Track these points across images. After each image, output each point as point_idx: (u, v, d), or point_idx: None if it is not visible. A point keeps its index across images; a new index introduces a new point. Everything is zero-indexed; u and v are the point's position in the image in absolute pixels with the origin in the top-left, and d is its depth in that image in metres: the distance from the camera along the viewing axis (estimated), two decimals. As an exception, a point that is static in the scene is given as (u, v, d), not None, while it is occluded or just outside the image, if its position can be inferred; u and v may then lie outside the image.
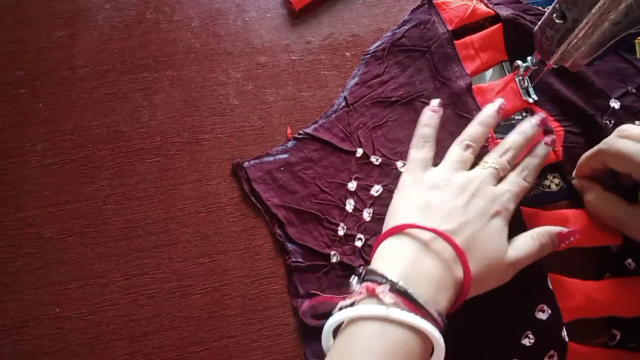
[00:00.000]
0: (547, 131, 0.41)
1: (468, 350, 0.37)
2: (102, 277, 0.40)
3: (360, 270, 0.39)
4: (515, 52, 0.46)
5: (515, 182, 0.37)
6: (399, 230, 0.33)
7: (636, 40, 0.47)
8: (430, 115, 0.40)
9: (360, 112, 0.45)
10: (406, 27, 0.47)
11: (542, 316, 0.37)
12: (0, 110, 0.45)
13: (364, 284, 0.31)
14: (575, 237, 0.37)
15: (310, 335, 0.38)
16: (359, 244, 0.40)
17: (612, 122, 0.43)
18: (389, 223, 0.35)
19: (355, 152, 0.43)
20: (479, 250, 0.33)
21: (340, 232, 0.41)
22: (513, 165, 0.38)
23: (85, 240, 0.41)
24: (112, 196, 0.42)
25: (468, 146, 0.38)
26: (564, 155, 0.42)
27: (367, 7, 0.50)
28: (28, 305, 0.39)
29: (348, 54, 0.48)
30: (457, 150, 0.38)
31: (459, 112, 0.43)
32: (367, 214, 0.41)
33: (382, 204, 0.41)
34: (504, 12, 0.46)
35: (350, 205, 0.42)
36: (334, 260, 0.40)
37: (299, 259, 0.40)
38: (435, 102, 0.40)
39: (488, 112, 0.39)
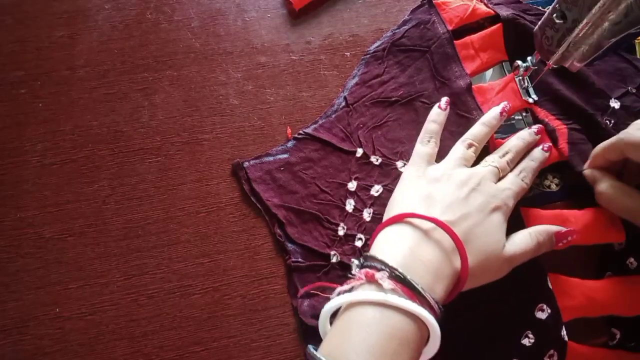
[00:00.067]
0: (548, 130, 0.42)
1: (468, 350, 0.37)
2: (102, 277, 0.40)
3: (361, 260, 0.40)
4: (515, 52, 0.46)
5: (514, 182, 0.38)
6: (400, 218, 0.34)
7: (636, 40, 0.47)
8: (438, 112, 0.41)
9: (360, 112, 0.45)
10: (406, 27, 0.47)
11: (542, 315, 0.37)
12: (0, 110, 0.45)
13: (363, 269, 0.32)
14: (573, 236, 0.37)
15: (310, 335, 0.38)
16: (359, 244, 0.40)
17: (612, 122, 0.43)
18: (391, 212, 0.36)
19: (355, 152, 0.43)
20: (477, 242, 0.34)
21: (341, 232, 0.41)
22: (512, 167, 0.39)
23: (85, 240, 0.41)
24: (112, 196, 0.42)
25: (471, 145, 0.39)
26: (570, 151, 0.42)
27: (367, 7, 0.50)
28: (28, 305, 0.39)
29: (348, 54, 0.48)
30: (460, 148, 0.39)
31: (458, 112, 0.43)
32: (367, 214, 0.41)
33: (382, 204, 0.41)
34: (504, 12, 0.46)
35: (350, 205, 0.42)
36: (334, 260, 0.40)
37: (299, 259, 0.40)
38: (443, 100, 0.42)
39: (492, 114, 0.41)
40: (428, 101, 0.44)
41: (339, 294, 0.31)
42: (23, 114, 0.45)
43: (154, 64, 0.47)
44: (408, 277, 0.30)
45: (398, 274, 0.31)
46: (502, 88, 0.45)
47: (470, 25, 0.48)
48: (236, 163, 0.43)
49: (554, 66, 0.38)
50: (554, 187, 0.43)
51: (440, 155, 0.40)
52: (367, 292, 0.30)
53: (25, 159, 0.43)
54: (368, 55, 0.47)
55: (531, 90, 0.44)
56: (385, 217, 0.36)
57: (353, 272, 0.39)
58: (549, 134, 0.43)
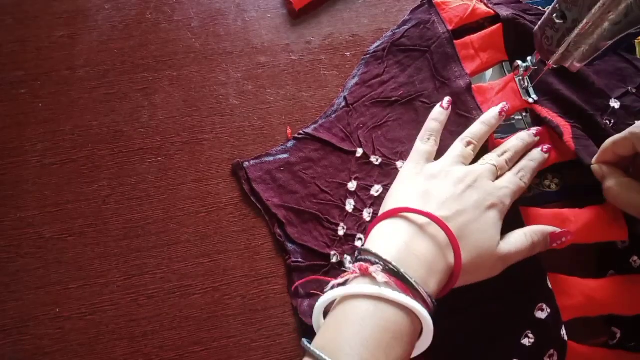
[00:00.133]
0: (552, 127, 0.42)
1: (468, 350, 0.37)
2: (102, 277, 0.40)
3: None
4: (515, 52, 0.46)
5: (512, 181, 0.38)
6: (395, 213, 0.35)
7: (636, 40, 0.47)
8: (440, 111, 0.42)
9: (360, 112, 0.45)
10: (406, 27, 0.47)
11: (542, 315, 0.37)
12: (0, 110, 0.45)
13: (357, 263, 0.32)
14: (568, 237, 0.37)
15: (310, 335, 0.38)
16: (359, 244, 0.40)
17: (612, 122, 0.43)
18: (387, 206, 0.37)
19: (355, 152, 0.43)
20: (471, 239, 0.34)
21: (341, 232, 0.41)
22: (511, 166, 0.40)
23: (85, 240, 0.41)
24: (112, 196, 0.42)
25: (469, 143, 0.39)
26: (576, 145, 0.41)
27: (367, 7, 0.50)
28: (28, 305, 0.39)
29: (348, 54, 0.48)
30: (459, 146, 0.39)
31: (458, 112, 0.43)
32: (367, 214, 0.41)
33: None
34: (504, 12, 0.46)
35: (350, 205, 0.42)
36: (334, 260, 0.40)
37: (299, 259, 0.40)
38: (445, 100, 0.42)
39: (491, 114, 0.41)
40: (428, 101, 0.44)
41: (332, 287, 0.32)
42: (23, 114, 0.45)
43: (154, 64, 0.47)
44: (402, 270, 0.31)
45: (392, 267, 0.31)
46: (502, 88, 0.45)
47: (470, 25, 0.48)
48: (236, 163, 0.43)
49: (554, 66, 0.38)
50: (553, 187, 0.43)
51: (440, 154, 0.40)
52: (360, 286, 0.31)
53: (25, 159, 0.43)
54: (368, 55, 0.47)
55: (531, 90, 0.44)
56: (382, 212, 0.36)
57: (347, 265, 0.39)
58: (554, 129, 0.42)
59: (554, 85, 0.44)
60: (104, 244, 0.41)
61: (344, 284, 0.32)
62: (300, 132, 0.44)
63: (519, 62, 0.43)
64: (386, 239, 0.34)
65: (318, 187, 0.42)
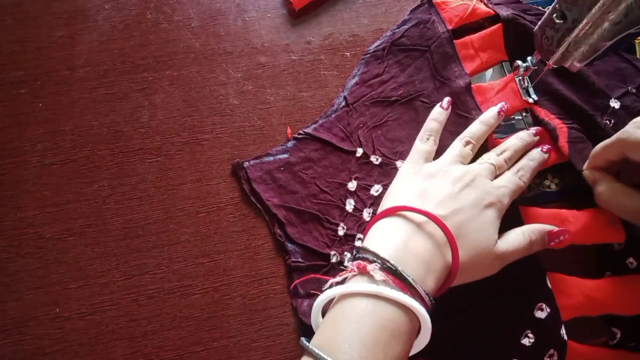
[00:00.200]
0: (549, 129, 0.42)
1: (468, 350, 0.37)
2: (102, 277, 0.40)
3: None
4: (515, 52, 0.46)
5: (511, 180, 0.38)
6: (393, 211, 0.35)
7: (636, 40, 0.47)
8: (440, 111, 0.42)
9: (360, 112, 0.45)
10: (406, 27, 0.47)
11: (541, 315, 0.37)
12: (0, 110, 0.45)
13: (356, 261, 0.32)
14: (565, 236, 0.37)
15: (310, 335, 0.38)
16: (359, 243, 0.40)
17: (612, 122, 0.43)
18: (385, 205, 0.37)
19: (355, 151, 0.43)
20: (469, 237, 0.34)
21: (340, 232, 0.41)
22: (510, 165, 0.40)
23: (85, 240, 0.41)
24: (112, 196, 0.42)
25: (468, 142, 0.40)
26: (570, 149, 0.42)
27: (367, 7, 0.50)
28: (28, 305, 0.39)
29: (348, 54, 0.48)
30: (457, 146, 0.40)
31: (458, 112, 0.43)
32: (367, 214, 0.41)
33: (382, 204, 0.41)
34: (504, 12, 0.46)
35: (350, 205, 0.42)
36: (333, 260, 0.40)
37: (299, 259, 0.40)
38: (445, 100, 0.42)
39: (490, 114, 0.41)
40: (428, 100, 0.44)
41: (331, 285, 0.32)
42: (23, 114, 0.45)
43: (154, 64, 0.47)
44: (399, 268, 0.31)
45: (389, 265, 0.31)
46: (502, 88, 0.45)
47: (470, 25, 0.48)
48: (236, 163, 0.43)
49: (554, 66, 0.38)
50: (553, 187, 0.43)
51: (439, 154, 0.40)
52: (358, 284, 0.31)
53: (25, 159, 0.43)
54: (368, 55, 0.47)
55: (531, 90, 0.44)
56: (380, 210, 0.37)
57: (346, 264, 0.39)
58: (550, 132, 0.43)
59: (554, 85, 0.44)
60: (104, 244, 0.41)
61: (342, 282, 0.32)
62: (300, 132, 0.44)
63: (519, 62, 0.43)
64: (384, 238, 0.34)
65: (318, 187, 0.42)
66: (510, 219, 0.38)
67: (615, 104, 0.44)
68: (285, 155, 0.43)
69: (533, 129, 0.42)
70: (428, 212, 0.34)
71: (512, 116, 0.45)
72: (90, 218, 0.42)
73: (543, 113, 0.44)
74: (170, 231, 0.41)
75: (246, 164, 0.43)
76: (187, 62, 0.47)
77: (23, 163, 0.43)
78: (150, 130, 0.45)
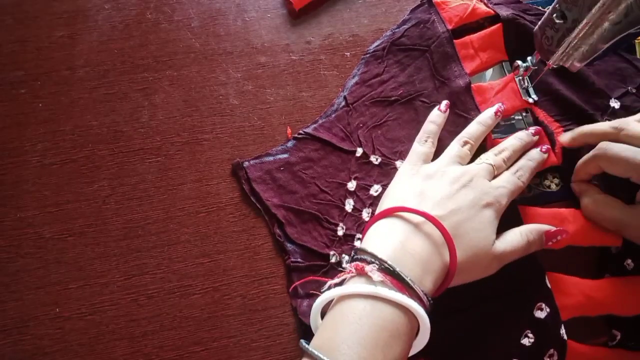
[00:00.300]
0: (547, 133, 0.42)
1: (468, 350, 0.37)
2: (102, 277, 0.40)
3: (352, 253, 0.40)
4: (515, 52, 0.46)
5: (509, 180, 0.38)
6: (391, 212, 0.35)
7: (636, 40, 0.47)
8: (438, 114, 0.42)
9: (360, 112, 0.45)
10: (406, 27, 0.47)
11: (541, 315, 0.37)
12: (0, 110, 0.45)
13: (354, 262, 0.32)
14: (563, 236, 0.37)
15: (310, 335, 0.38)
16: (358, 243, 0.40)
17: (612, 122, 0.43)
18: (383, 206, 0.37)
19: (355, 151, 0.43)
20: (466, 238, 0.34)
21: (340, 232, 0.41)
22: (509, 165, 0.40)
23: (85, 240, 0.41)
24: (112, 196, 0.42)
25: (466, 143, 0.40)
26: (564, 156, 0.42)
27: (367, 7, 0.50)
28: (28, 305, 0.39)
29: (348, 54, 0.48)
30: (455, 146, 0.40)
31: (457, 112, 0.43)
32: (366, 214, 0.41)
33: (382, 204, 0.41)
34: (504, 12, 0.46)
35: (349, 205, 0.42)
36: (333, 260, 0.40)
37: (298, 259, 0.40)
38: (444, 103, 0.43)
39: (488, 114, 0.41)
40: (428, 100, 0.44)
41: (329, 287, 0.32)
42: (23, 114, 0.45)
43: (154, 64, 0.47)
44: (397, 269, 0.31)
45: (387, 266, 0.31)
46: (501, 88, 0.45)
47: (470, 25, 0.47)
48: (236, 163, 0.43)
49: (554, 66, 0.38)
50: (553, 187, 0.43)
51: (438, 154, 0.40)
52: (357, 285, 0.31)
53: (25, 159, 0.43)
54: (368, 55, 0.47)
55: (531, 90, 0.44)
56: (378, 211, 0.37)
57: (344, 265, 0.39)
58: (548, 136, 0.43)
59: (554, 85, 0.44)
60: (104, 244, 0.41)
61: (340, 284, 0.32)
62: (300, 132, 0.44)
63: (519, 62, 0.43)
64: (382, 238, 0.34)
65: (318, 187, 0.42)
66: (510, 219, 0.38)
67: (615, 104, 0.44)
68: (285, 155, 0.43)
69: (532, 129, 0.42)
70: (425, 212, 0.34)
71: (512, 116, 0.45)
72: (90, 218, 0.42)
73: (542, 115, 0.44)
74: (170, 231, 0.41)
75: (246, 164, 0.43)
76: (187, 62, 0.47)
77: (23, 163, 0.43)
78: (150, 130, 0.45)
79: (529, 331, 0.37)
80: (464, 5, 0.47)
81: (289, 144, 0.44)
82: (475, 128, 0.40)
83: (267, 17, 0.49)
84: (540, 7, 0.48)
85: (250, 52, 0.48)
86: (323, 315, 0.33)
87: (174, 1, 0.50)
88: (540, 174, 0.43)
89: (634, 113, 0.43)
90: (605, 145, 0.37)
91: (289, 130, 0.45)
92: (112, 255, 0.41)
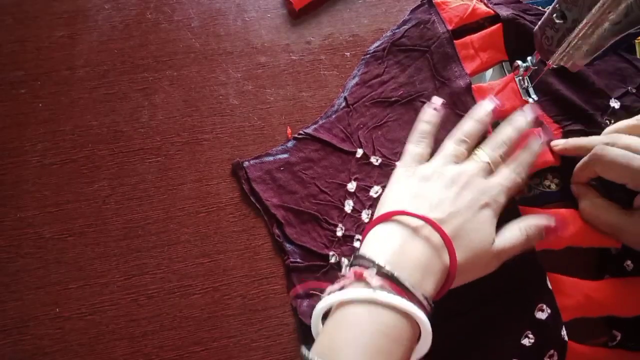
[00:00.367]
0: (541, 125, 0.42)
1: (468, 351, 0.37)
2: (102, 277, 0.40)
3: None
4: (515, 52, 0.46)
5: (508, 177, 0.37)
6: (389, 216, 0.34)
7: (636, 40, 0.47)
8: (432, 113, 0.41)
9: (360, 113, 0.45)
10: (406, 27, 0.47)
11: (542, 316, 0.37)
12: (0, 110, 0.45)
13: (353, 268, 0.32)
14: (563, 231, 0.37)
15: (310, 335, 0.38)
16: (357, 244, 0.40)
17: (612, 121, 0.43)
18: (381, 210, 0.36)
19: (355, 152, 0.43)
20: (465, 239, 0.34)
21: (339, 233, 0.41)
22: (505, 159, 0.38)
23: (85, 240, 0.41)
24: (112, 196, 0.42)
25: (462, 141, 0.39)
26: (564, 157, 0.42)
27: (367, 7, 0.50)
28: (28, 305, 0.39)
29: (348, 54, 0.48)
30: (451, 145, 0.39)
31: (458, 112, 0.43)
32: (365, 215, 0.41)
33: (382, 204, 0.41)
34: (504, 12, 0.46)
35: (349, 206, 0.42)
36: (332, 260, 0.40)
37: (298, 260, 0.40)
38: (438, 101, 0.41)
39: (483, 111, 0.40)
40: (428, 101, 0.44)
41: (329, 293, 0.31)
42: (23, 114, 0.45)
43: (154, 64, 0.47)
44: (395, 274, 0.30)
45: (386, 271, 0.31)
46: (502, 88, 0.45)
47: (470, 25, 0.47)
48: (236, 163, 0.43)
49: (554, 66, 0.38)
50: (554, 187, 0.43)
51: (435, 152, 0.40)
52: (355, 291, 0.30)
53: (25, 159, 0.43)
54: (368, 55, 0.47)
55: (531, 90, 0.44)
56: (376, 216, 0.36)
57: (343, 271, 0.39)
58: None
59: (554, 85, 0.44)
60: (104, 244, 0.41)
61: (340, 289, 0.32)
62: (301, 132, 0.44)
63: (519, 62, 0.43)
64: (381, 243, 0.33)
65: (317, 188, 0.42)
66: (510, 219, 0.38)
67: (615, 104, 0.44)
68: (285, 155, 0.43)
69: (531, 115, 0.40)
70: (424, 216, 0.33)
71: (512, 116, 0.45)
72: (90, 218, 0.42)
73: (542, 116, 0.44)
74: (170, 231, 0.41)
75: (246, 164, 0.43)
76: (187, 62, 0.47)
77: (23, 163, 0.43)
78: (150, 130, 0.45)
79: (529, 332, 0.37)
80: (464, 6, 0.47)
81: (289, 144, 0.44)
82: (471, 126, 0.39)
83: (267, 17, 0.49)
84: (540, 7, 0.48)
85: (250, 52, 0.48)
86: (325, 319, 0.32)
87: (174, 1, 0.50)
88: (540, 174, 0.43)
89: (634, 113, 0.43)
90: (601, 151, 0.36)
91: (289, 130, 0.45)
92: (112, 255, 0.41)
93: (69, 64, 0.47)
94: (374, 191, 0.42)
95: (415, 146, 0.39)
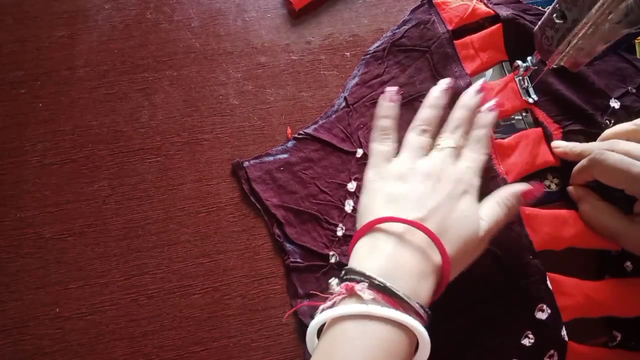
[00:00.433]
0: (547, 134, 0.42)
1: (468, 351, 0.37)
2: (102, 277, 0.40)
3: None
4: (515, 52, 0.46)
5: (472, 158, 0.37)
6: (371, 227, 0.33)
7: (636, 40, 0.47)
8: (388, 106, 0.40)
9: (360, 113, 0.45)
10: (406, 27, 0.47)
11: (542, 316, 0.37)
12: (0, 110, 0.45)
13: (343, 283, 0.31)
14: (540, 192, 0.36)
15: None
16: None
17: (612, 122, 0.43)
18: (362, 221, 0.35)
19: (355, 152, 0.43)
20: (453, 231, 0.33)
21: (339, 233, 0.41)
22: (466, 138, 0.38)
23: (85, 240, 0.41)
24: (112, 196, 0.42)
25: (424, 131, 0.38)
26: (562, 161, 0.42)
27: (367, 7, 0.50)
28: (28, 305, 0.39)
29: (348, 54, 0.48)
30: (415, 137, 0.38)
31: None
32: (366, 214, 0.41)
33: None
34: (504, 12, 0.46)
35: (349, 205, 0.42)
36: (332, 260, 0.40)
37: (298, 260, 0.40)
38: (392, 90, 0.40)
39: (436, 94, 0.39)
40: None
41: (322, 310, 0.30)
42: (23, 114, 0.45)
43: (154, 64, 0.47)
44: (388, 284, 0.29)
45: (377, 282, 0.30)
46: (502, 88, 0.45)
47: (470, 25, 0.47)
48: (236, 162, 0.43)
49: (554, 66, 0.38)
50: (553, 187, 0.43)
51: None
52: (347, 306, 0.29)
53: (25, 159, 0.43)
54: (368, 56, 0.47)
55: (531, 90, 0.44)
56: (358, 227, 0.35)
57: (334, 288, 0.38)
58: (547, 138, 0.43)
59: (554, 85, 0.44)
60: (104, 244, 0.41)
61: (332, 306, 0.31)
62: (300, 132, 0.44)
63: (519, 62, 0.43)
64: (368, 255, 0.32)
65: (317, 188, 0.42)
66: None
67: (615, 104, 0.44)
68: (285, 155, 0.43)
69: (476, 86, 0.40)
70: (406, 219, 0.32)
71: (512, 116, 0.45)
72: (90, 218, 0.42)
73: (542, 116, 0.44)
74: (170, 231, 0.41)
75: (246, 164, 0.43)
76: (187, 62, 0.47)
77: (23, 163, 0.43)
78: (150, 130, 0.45)
79: (529, 332, 0.37)
80: (464, 6, 0.47)
81: (289, 144, 0.44)
82: (428, 113, 0.38)
83: (267, 17, 0.49)
84: (540, 7, 0.48)
85: (250, 52, 0.48)
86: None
87: (174, 1, 0.50)
88: (540, 174, 0.43)
89: (634, 113, 0.43)
90: (600, 156, 0.36)
91: (289, 130, 0.45)
92: (112, 255, 0.41)
93: (69, 64, 0.47)
94: (374, 191, 0.42)
95: (379, 145, 0.38)
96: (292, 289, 0.40)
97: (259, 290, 0.40)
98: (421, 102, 0.44)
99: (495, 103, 0.39)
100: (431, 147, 0.38)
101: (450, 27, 0.46)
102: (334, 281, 0.38)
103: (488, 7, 0.48)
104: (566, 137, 0.43)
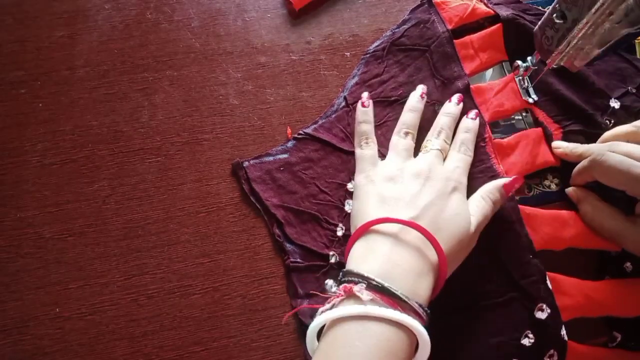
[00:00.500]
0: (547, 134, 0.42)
1: (468, 351, 0.37)
2: (102, 277, 0.40)
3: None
4: (515, 52, 0.46)
5: (458, 158, 0.38)
6: (366, 229, 0.34)
7: (636, 40, 0.47)
8: (364, 110, 0.42)
9: (360, 112, 0.45)
10: (406, 27, 0.47)
11: (542, 315, 0.37)
12: (0, 110, 0.45)
13: (342, 285, 0.31)
14: (520, 183, 0.38)
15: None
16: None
17: (612, 121, 0.43)
18: (356, 224, 0.36)
19: (355, 152, 0.43)
20: (446, 229, 0.34)
21: (339, 233, 0.41)
22: (449, 143, 0.40)
23: (85, 240, 0.41)
24: (112, 196, 0.42)
25: (407, 133, 0.40)
26: (561, 161, 0.42)
27: (367, 7, 0.50)
28: (28, 305, 0.39)
29: (348, 54, 0.48)
30: (399, 139, 0.40)
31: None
32: (366, 214, 0.41)
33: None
34: (504, 12, 0.46)
35: (349, 205, 0.42)
36: (332, 260, 0.40)
37: (298, 260, 0.40)
38: (365, 95, 0.43)
39: (414, 99, 0.42)
40: (429, 100, 0.44)
41: (321, 312, 0.31)
42: (23, 114, 0.45)
43: (154, 64, 0.47)
44: (386, 284, 0.30)
45: (376, 283, 0.30)
46: (501, 88, 0.45)
47: (470, 25, 0.47)
48: (236, 162, 0.43)
49: (554, 66, 0.38)
50: (553, 187, 0.43)
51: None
52: (346, 307, 0.30)
53: (25, 159, 0.43)
54: (368, 55, 0.47)
55: (531, 90, 0.44)
56: (352, 230, 0.36)
57: (333, 290, 0.38)
58: (547, 138, 0.43)
59: (554, 85, 0.44)
60: (104, 244, 0.41)
61: (331, 308, 0.31)
62: (300, 132, 0.44)
63: (519, 62, 0.43)
64: (365, 257, 0.33)
65: (317, 188, 0.42)
66: (511, 218, 0.38)
67: (615, 104, 0.44)
68: (285, 155, 0.43)
69: (455, 97, 0.42)
70: (400, 219, 0.33)
71: (512, 116, 0.45)
72: (90, 218, 0.42)
73: (542, 116, 0.44)
74: (170, 231, 0.41)
75: (246, 164, 0.43)
76: (187, 62, 0.47)
77: (23, 163, 0.43)
78: (150, 130, 0.45)
79: (529, 332, 0.37)
80: (464, 5, 0.47)
81: (289, 144, 0.44)
82: (409, 116, 0.41)
83: (267, 17, 0.49)
84: (540, 7, 0.48)
85: (250, 52, 0.48)
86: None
87: (174, 1, 0.50)
88: (540, 174, 0.43)
89: (634, 113, 0.43)
90: (600, 157, 0.37)
91: (289, 130, 0.45)
92: (112, 255, 0.41)
93: (69, 64, 0.47)
94: (374, 191, 0.42)
95: (363, 150, 0.41)
96: (292, 289, 0.40)
97: (259, 290, 0.40)
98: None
99: (475, 113, 0.42)
100: (414, 148, 0.40)
101: (450, 27, 0.46)
102: (329, 283, 0.39)
103: (488, 7, 0.48)
104: (566, 137, 0.43)
